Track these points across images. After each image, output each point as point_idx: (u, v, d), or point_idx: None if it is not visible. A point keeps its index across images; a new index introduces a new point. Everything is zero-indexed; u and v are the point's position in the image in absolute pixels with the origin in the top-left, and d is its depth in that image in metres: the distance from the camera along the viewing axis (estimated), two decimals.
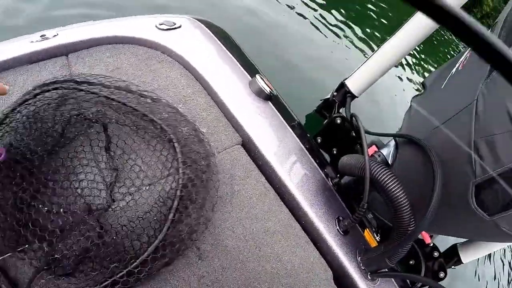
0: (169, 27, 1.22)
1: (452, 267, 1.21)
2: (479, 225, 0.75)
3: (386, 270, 0.98)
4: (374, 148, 1.14)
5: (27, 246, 0.78)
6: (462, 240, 1.20)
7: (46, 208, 0.85)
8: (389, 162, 1.04)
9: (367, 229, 1.10)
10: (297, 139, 1.17)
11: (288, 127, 1.18)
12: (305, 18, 3.42)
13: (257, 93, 1.16)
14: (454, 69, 0.98)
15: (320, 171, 1.15)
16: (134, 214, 0.89)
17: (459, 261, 1.18)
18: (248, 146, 1.10)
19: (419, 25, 1.13)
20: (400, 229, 0.88)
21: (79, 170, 0.93)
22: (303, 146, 1.17)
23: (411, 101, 1.09)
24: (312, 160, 1.16)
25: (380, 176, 0.88)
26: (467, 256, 1.18)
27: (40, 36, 1.10)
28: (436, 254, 1.19)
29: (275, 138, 1.09)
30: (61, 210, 0.86)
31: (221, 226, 0.95)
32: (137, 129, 1.00)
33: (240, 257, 0.92)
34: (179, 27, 1.25)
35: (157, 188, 0.95)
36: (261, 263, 0.93)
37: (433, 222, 0.85)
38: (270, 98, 1.19)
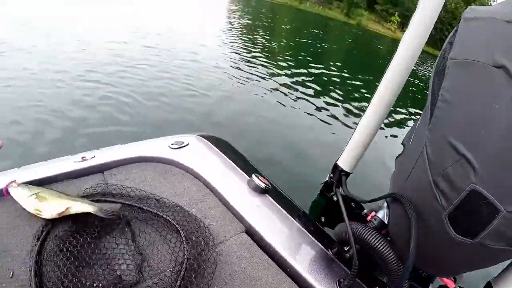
0: (179, 146, 1.68)
1: None
2: (470, 252, 0.76)
3: None
4: (372, 213, 1.19)
5: None
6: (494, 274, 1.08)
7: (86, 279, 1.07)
8: (386, 222, 1.10)
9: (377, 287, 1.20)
10: (293, 220, 1.42)
11: (285, 212, 1.45)
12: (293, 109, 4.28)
13: (254, 189, 1.46)
14: (417, 122, 1.03)
15: (319, 244, 1.35)
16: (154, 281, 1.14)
17: None
18: (250, 232, 1.38)
19: (385, 94, 1.23)
20: (392, 277, 0.95)
21: (114, 255, 1.19)
22: (299, 226, 1.41)
23: (394, 162, 1.12)
24: (310, 235, 1.38)
25: (362, 234, 1.02)
26: None
27: (81, 158, 1.48)
28: None
29: (274, 223, 1.37)
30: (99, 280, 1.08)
31: None
32: (153, 225, 1.34)
33: None
34: (187, 145, 1.70)
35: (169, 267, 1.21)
36: None
37: (431, 265, 0.93)
38: (266, 191, 1.51)
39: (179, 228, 1.31)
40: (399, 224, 0.97)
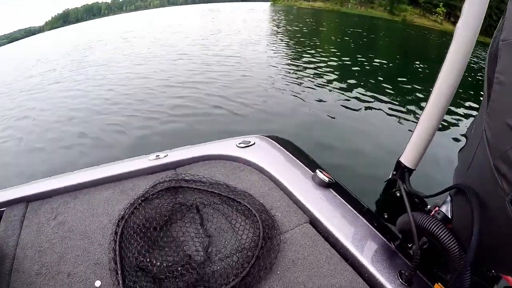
0: (246, 145, 1.75)
1: None
2: None
3: None
4: (436, 209, 1.16)
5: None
6: None
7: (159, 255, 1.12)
8: (450, 217, 1.08)
9: (439, 283, 1.09)
10: (356, 213, 1.38)
11: (348, 205, 1.41)
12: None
13: (319, 183, 1.49)
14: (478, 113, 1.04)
15: (382, 237, 1.30)
16: (221, 264, 1.16)
17: None
18: (314, 223, 1.36)
19: (444, 87, 1.20)
20: (454, 265, 0.91)
21: (184, 238, 1.24)
22: (363, 219, 1.36)
23: (458, 156, 1.11)
24: (373, 228, 1.33)
25: (424, 223, 1.00)
26: None
27: (156, 156, 1.63)
28: None
29: (337, 215, 1.33)
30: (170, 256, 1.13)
31: (294, 281, 1.13)
32: (221, 210, 1.36)
33: None
34: (253, 144, 1.77)
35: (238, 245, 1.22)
36: None
37: (494, 258, 0.89)
38: (330, 185, 1.49)
39: (252, 210, 1.31)
40: (463, 216, 0.94)
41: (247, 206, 1.33)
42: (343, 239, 1.27)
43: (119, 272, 1.07)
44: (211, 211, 1.36)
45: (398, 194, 1.30)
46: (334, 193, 1.47)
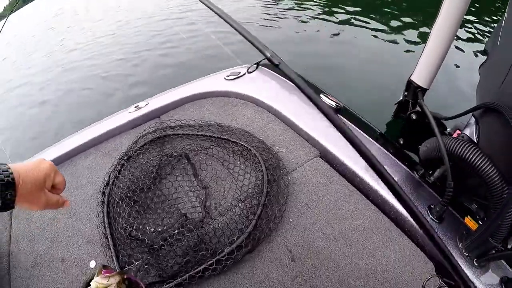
0: (235, 76, 1.47)
1: None
2: None
3: (493, 252, 0.83)
4: (457, 132, 1.07)
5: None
6: None
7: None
8: (475, 141, 0.97)
9: (468, 216, 0.97)
10: (371, 140, 1.19)
11: (362, 132, 1.21)
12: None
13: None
14: (503, 22, 0.94)
15: (404, 166, 1.12)
16: (222, 220, 1.00)
17: None
18: (326, 156, 1.16)
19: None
20: (494, 199, 0.78)
21: (177, 195, 1.08)
22: (380, 146, 1.17)
23: (478, 72, 1.05)
24: (393, 157, 1.15)
25: (457, 149, 0.83)
26: None
27: (135, 107, 1.41)
28: None
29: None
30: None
31: (311, 229, 0.97)
32: (215, 154, 1.17)
33: (332, 256, 0.92)
34: (244, 74, 1.49)
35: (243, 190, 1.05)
36: (354, 260, 0.91)
37: None
38: (338, 111, 1.27)
39: (252, 149, 1.11)
40: (494, 139, 0.86)
41: (245, 146, 1.12)
42: (362, 173, 1.07)
43: (111, 247, 0.95)
44: (204, 158, 1.17)
45: (414, 117, 1.18)
46: (344, 120, 1.24)
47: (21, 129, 3.42)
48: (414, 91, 1.27)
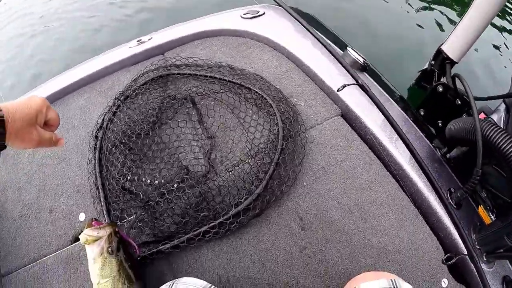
0: (253, 15, 1.26)
1: None
2: None
3: (503, 251, 0.79)
4: (482, 115, 1.01)
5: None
6: None
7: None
8: (502, 127, 0.86)
9: (481, 206, 0.91)
10: (399, 108, 1.05)
11: (389, 97, 1.07)
12: None
13: (352, 65, 1.08)
14: None
15: (428, 141, 1.00)
16: (229, 176, 0.87)
17: None
18: (348, 116, 1.03)
19: None
20: None
21: (179, 143, 0.95)
22: (406, 116, 1.04)
23: None
24: (418, 129, 1.02)
25: (493, 136, 0.73)
26: None
27: (137, 41, 1.22)
28: None
29: (376, 108, 0.96)
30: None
31: (325, 196, 0.86)
32: (224, 100, 1.01)
33: (345, 229, 0.82)
34: (263, 14, 1.28)
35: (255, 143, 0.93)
36: (367, 236, 0.82)
37: None
38: (365, 68, 1.11)
39: (267, 98, 0.95)
40: None
41: (259, 94, 0.96)
42: (384, 138, 0.95)
43: (102, 199, 0.85)
44: (212, 103, 1.02)
45: (440, 89, 1.08)
46: (370, 78, 1.09)
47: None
48: (442, 61, 1.20)
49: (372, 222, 0.84)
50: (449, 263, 0.81)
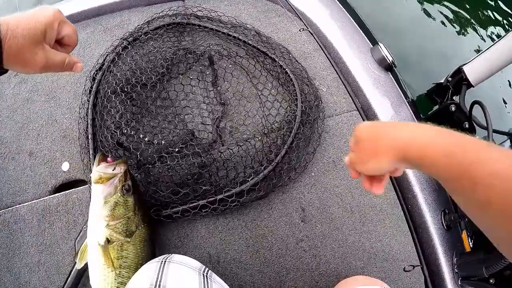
0: None
1: None
2: None
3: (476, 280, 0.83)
4: None
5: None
6: None
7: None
8: None
9: (464, 231, 0.91)
10: (413, 115, 1.03)
11: (406, 102, 1.04)
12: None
13: (379, 61, 1.04)
14: None
15: None
16: (237, 151, 0.81)
17: None
18: (367, 113, 0.98)
19: None
20: None
21: (187, 103, 0.86)
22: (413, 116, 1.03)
23: None
24: None
25: None
26: None
27: None
28: None
29: (392, 110, 0.97)
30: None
31: (330, 191, 0.83)
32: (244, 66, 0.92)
33: (343, 228, 0.81)
34: None
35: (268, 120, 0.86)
36: (362, 239, 0.82)
37: None
38: (391, 68, 1.06)
39: (291, 75, 0.87)
40: None
41: (283, 68, 0.87)
42: None
43: (91, 151, 0.76)
44: (230, 66, 0.92)
45: (453, 109, 1.08)
46: (393, 81, 1.05)
47: None
48: (459, 81, 1.15)
49: (369, 226, 0.82)
50: (406, 271, 0.82)
